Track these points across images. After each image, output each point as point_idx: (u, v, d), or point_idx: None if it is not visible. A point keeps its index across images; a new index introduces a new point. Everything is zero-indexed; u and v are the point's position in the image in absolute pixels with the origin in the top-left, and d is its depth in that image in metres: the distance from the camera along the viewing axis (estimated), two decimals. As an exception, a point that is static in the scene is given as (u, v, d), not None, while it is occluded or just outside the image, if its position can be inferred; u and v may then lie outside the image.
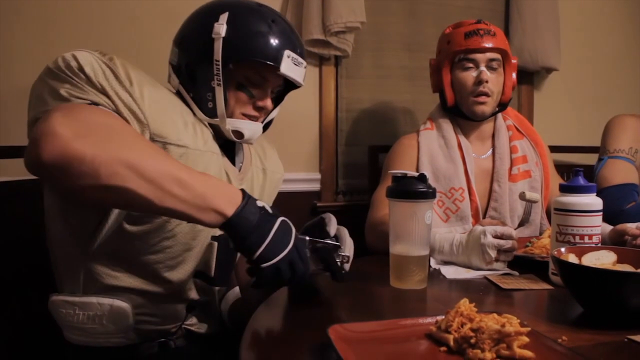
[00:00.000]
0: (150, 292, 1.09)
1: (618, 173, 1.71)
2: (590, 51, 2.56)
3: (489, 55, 1.56)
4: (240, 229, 0.86)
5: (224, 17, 1.12)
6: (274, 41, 1.13)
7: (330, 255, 0.99)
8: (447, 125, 1.64)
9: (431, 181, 1.41)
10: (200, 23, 1.16)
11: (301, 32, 1.99)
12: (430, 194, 1.07)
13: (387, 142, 1.91)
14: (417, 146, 1.63)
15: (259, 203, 0.90)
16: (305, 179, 2.15)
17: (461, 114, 1.62)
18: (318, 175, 2.17)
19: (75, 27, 1.83)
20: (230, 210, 0.85)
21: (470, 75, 1.56)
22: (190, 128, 1.07)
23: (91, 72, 0.93)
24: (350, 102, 2.20)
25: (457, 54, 1.56)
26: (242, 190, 0.90)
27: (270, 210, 0.91)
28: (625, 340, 0.80)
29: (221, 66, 1.11)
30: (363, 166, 2.12)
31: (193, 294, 1.16)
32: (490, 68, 1.56)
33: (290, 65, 1.15)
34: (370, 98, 2.22)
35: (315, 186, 2.17)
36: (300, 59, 1.17)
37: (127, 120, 0.94)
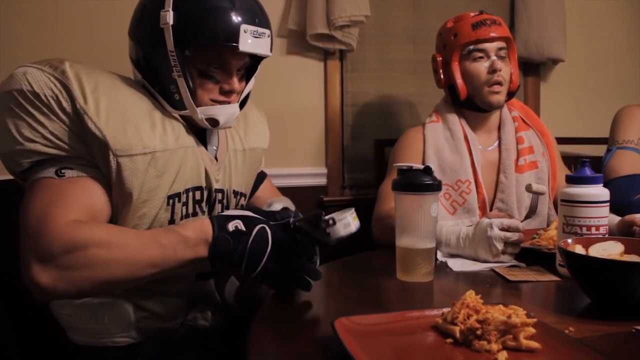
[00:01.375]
0: (149, 290, 1.08)
1: (626, 164, 1.70)
2: (597, 42, 2.54)
3: (497, 44, 1.56)
4: (223, 259, 0.93)
5: (169, 3, 1.03)
6: (226, 18, 1.03)
7: (311, 227, 0.97)
8: (453, 118, 1.63)
9: (437, 174, 1.41)
10: (147, 12, 1.08)
11: (305, 27, 1.99)
12: (435, 187, 1.07)
13: (393, 135, 1.91)
14: (423, 139, 1.62)
15: (231, 226, 0.94)
16: (312, 173, 2.16)
17: (473, 106, 1.61)
18: (324, 170, 2.17)
19: (76, 27, 1.83)
20: (205, 253, 0.93)
21: (482, 66, 1.55)
22: (159, 127, 1.04)
23: (45, 99, 0.93)
24: (355, 96, 2.19)
25: (466, 46, 1.56)
26: (212, 220, 0.94)
27: (243, 228, 0.94)
28: (633, 330, 0.80)
29: (177, 56, 1.04)
30: (369, 160, 2.11)
31: (192, 286, 1.16)
32: (499, 57, 1.56)
33: (251, 40, 1.05)
34: (375, 92, 2.22)
35: (322, 181, 2.17)
36: (260, 29, 1.06)
37: (87, 134, 0.95)
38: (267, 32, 1.09)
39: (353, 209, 1.02)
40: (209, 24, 1.03)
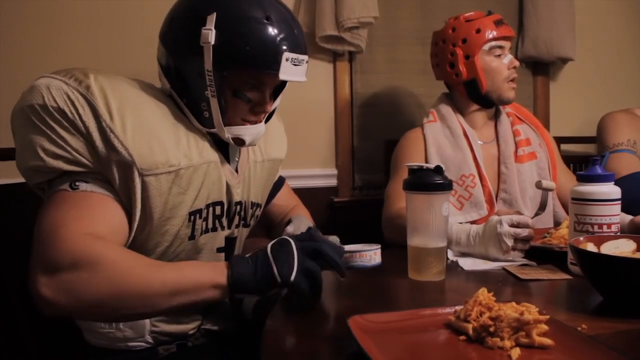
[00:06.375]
0: None
1: (623, 165, 1.74)
2: (607, 41, 2.53)
3: (510, 43, 1.63)
4: (245, 281, 0.88)
5: (211, 20, 0.99)
6: (270, 45, 1.01)
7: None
8: (450, 116, 1.67)
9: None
10: (186, 25, 1.04)
11: (314, 29, 2.00)
12: (446, 186, 1.08)
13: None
14: (423, 138, 1.65)
15: (248, 254, 0.92)
16: (322, 175, 2.17)
17: (485, 101, 1.64)
18: (335, 171, 2.19)
19: (76, 28, 1.85)
20: (223, 278, 0.88)
21: (502, 62, 1.59)
22: (184, 142, 1.02)
23: (70, 115, 0.91)
24: (364, 97, 2.21)
25: (490, 42, 1.58)
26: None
27: (258, 248, 0.92)
28: (646, 327, 0.80)
29: (214, 75, 1.01)
30: (379, 161, 2.12)
31: None
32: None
33: (290, 68, 1.03)
34: (384, 93, 2.23)
35: (332, 182, 2.18)
36: (300, 57, 1.05)
37: (110, 152, 0.93)
38: (306, 58, 1.07)
39: (379, 246, 1.05)
40: (252, 49, 1.00)
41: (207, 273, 0.89)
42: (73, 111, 0.91)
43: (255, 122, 1.11)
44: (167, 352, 1.12)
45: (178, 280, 0.87)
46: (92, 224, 0.90)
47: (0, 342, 1.14)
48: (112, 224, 0.94)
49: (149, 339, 1.09)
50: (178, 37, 1.06)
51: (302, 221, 1.22)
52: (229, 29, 1.00)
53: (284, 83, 1.15)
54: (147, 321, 1.08)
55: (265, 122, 1.16)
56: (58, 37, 1.83)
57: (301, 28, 1.10)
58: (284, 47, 1.02)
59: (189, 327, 1.14)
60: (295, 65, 1.04)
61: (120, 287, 0.85)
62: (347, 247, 1.04)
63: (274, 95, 1.15)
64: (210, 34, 0.99)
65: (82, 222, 0.89)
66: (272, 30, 1.01)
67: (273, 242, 0.93)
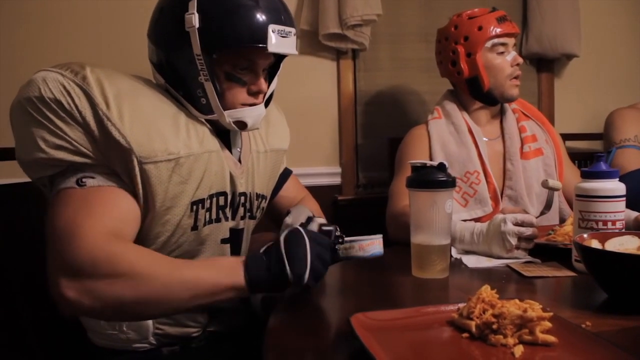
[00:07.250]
0: None
1: (630, 160, 1.75)
2: (612, 37, 2.51)
3: (514, 40, 1.61)
4: (261, 278, 0.90)
5: (193, 5, 1.01)
6: (254, 18, 1.01)
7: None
8: (455, 112, 1.66)
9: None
10: (169, 15, 1.06)
11: (318, 27, 2.00)
12: (450, 183, 1.08)
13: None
14: (428, 135, 1.65)
15: (262, 249, 0.93)
16: (326, 173, 2.17)
17: (489, 99, 1.63)
18: (338, 169, 2.18)
19: (75, 28, 1.85)
20: (241, 279, 0.89)
21: (505, 60, 1.58)
22: (183, 132, 1.02)
23: (67, 106, 0.90)
24: (368, 95, 2.20)
25: (492, 39, 1.57)
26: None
27: (270, 244, 0.94)
28: (651, 324, 0.80)
29: (204, 59, 1.02)
30: (383, 158, 2.11)
31: None
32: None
33: (279, 40, 1.03)
34: (388, 90, 2.22)
35: (336, 180, 2.18)
36: (287, 29, 1.05)
37: (109, 141, 0.93)
38: (293, 30, 1.08)
39: (380, 236, 1.05)
40: (237, 25, 1.01)
41: (226, 275, 0.89)
42: (69, 101, 0.91)
43: (255, 105, 1.11)
44: (170, 353, 1.13)
45: (197, 282, 0.88)
46: (106, 219, 0.90)
47: (4, 341, 1.14)
48: (124, 216, 0.95)
49: (152, 340, 1.10)
50: (164, 29, 1.07)
51: (301, 211, 1.21)
52: (212, 9, 1.01)
53: (278, 63, 1.15)
54: (151, 323, 1.08)
55: (265, 105, 1.15)
56: (59, 36, 1.84)
57: (285, 3, 1.10)
58: (268, 19, 1.02)
59: (193, 330, 1.14)
60: (283, 37, 1.04)
61: (141, 290, 0.85)
62: (348, 238, 1.04)
63: (270, 78, 1.15)
64: (193, 18, 1.00)
65: (96, 220, 0.89)
66: (255, 5, 1.02)
67: (285, 235, 0.93)
